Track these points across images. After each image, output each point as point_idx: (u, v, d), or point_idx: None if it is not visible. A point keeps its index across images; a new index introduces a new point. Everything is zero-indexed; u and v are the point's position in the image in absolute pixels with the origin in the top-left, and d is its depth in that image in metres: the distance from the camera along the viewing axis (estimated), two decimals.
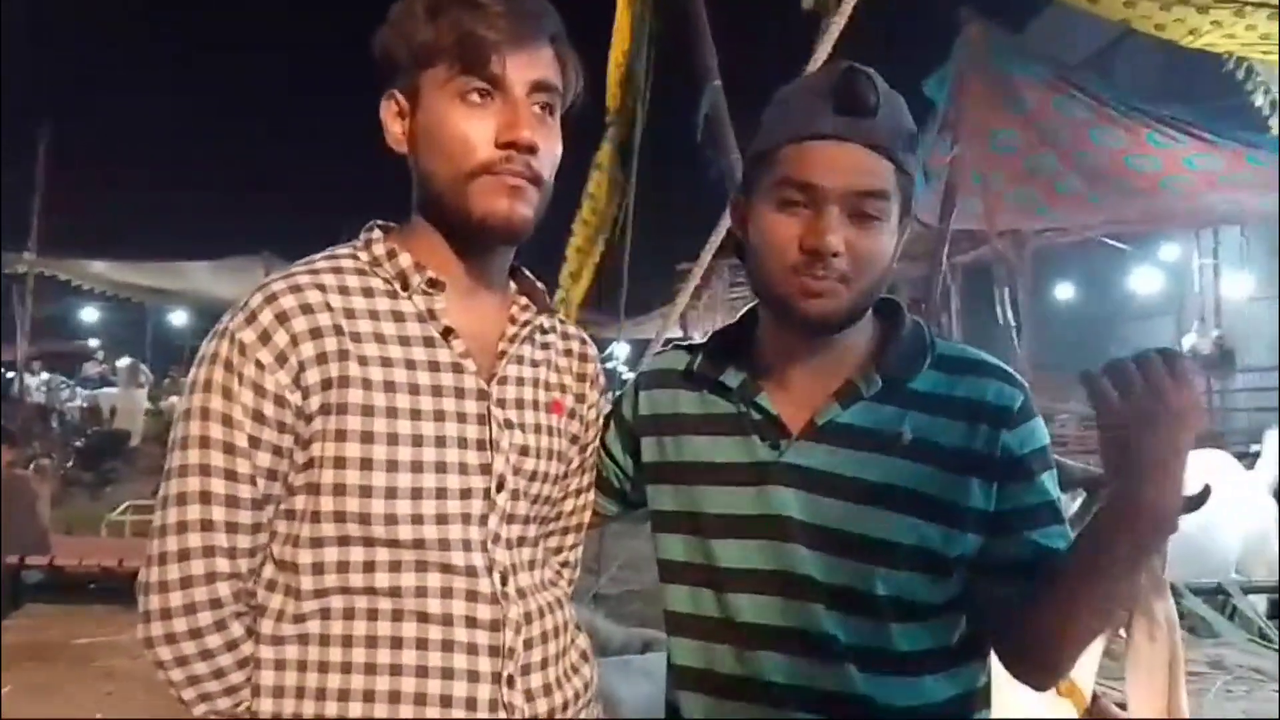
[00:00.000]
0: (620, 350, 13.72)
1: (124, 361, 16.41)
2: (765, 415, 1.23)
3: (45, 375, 16.88)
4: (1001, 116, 6.69)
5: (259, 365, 1.10)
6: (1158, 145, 6.93)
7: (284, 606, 1.13)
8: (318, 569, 1.11)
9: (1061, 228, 9.97)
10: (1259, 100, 4.15)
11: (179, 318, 20.46)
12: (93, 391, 17.14)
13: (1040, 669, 1.19)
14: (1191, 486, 2.77)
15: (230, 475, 1.10)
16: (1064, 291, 15.98)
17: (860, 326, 1.22)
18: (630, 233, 4.47)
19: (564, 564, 1.34)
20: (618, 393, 1.43)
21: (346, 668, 1.10)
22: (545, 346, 1.29)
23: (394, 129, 1.19)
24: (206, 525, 1.10)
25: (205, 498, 1.10)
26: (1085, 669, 2.45)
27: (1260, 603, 4.39)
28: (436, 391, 1.14)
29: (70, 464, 11.57)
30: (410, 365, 1.14)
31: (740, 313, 1.34)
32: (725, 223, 3.75)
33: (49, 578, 6.51)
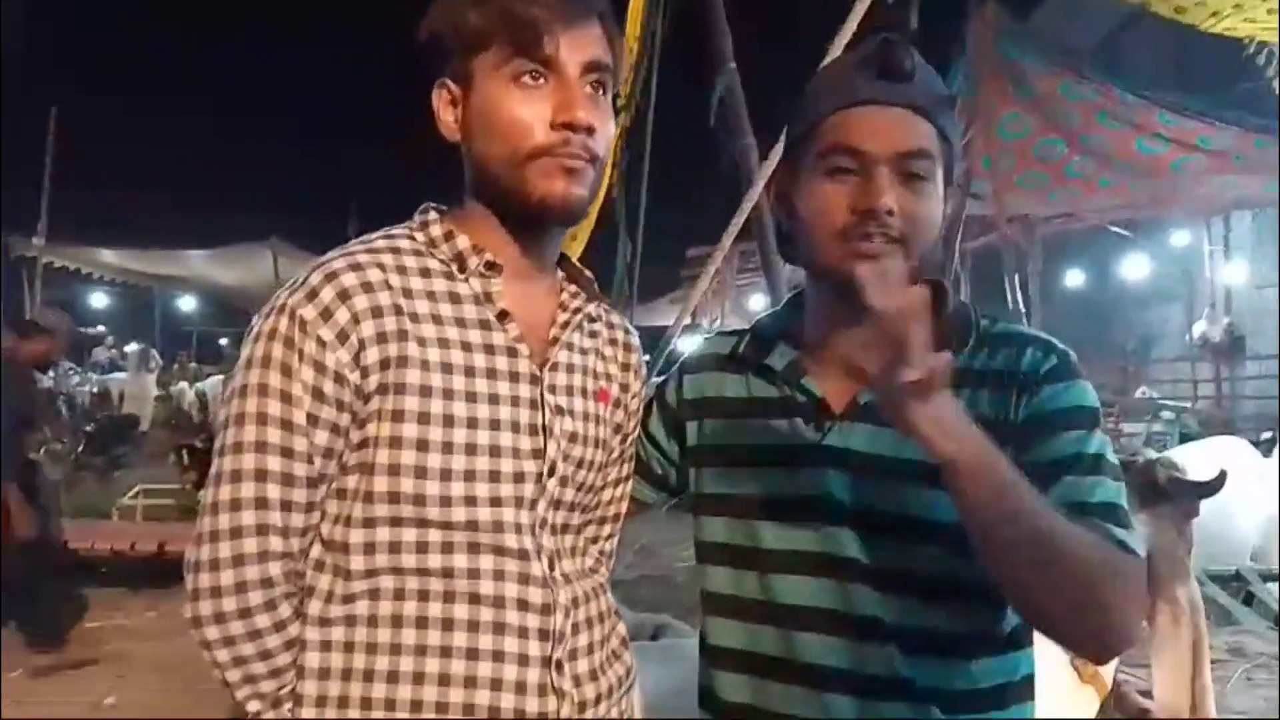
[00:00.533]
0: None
1: (133, 347, 16.44)
2: (810, 397, 1.23)
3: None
4: (1010, 101, 6.68)
5: (320, 342, 1.08)
6: (1168, 125, 6.91)
7: (332, 587, 1.11)
8: (369, 549, 1.10)
9: (1070, 214, 9.96)
10: (1277, 86, 4.09)
11: (187, 303, 20.50)
12: (102, 377, 17.17)
13: (1071, 637, 1.12)
14: (1207, 473, 2.77)
15: (286, 453, 1.08)
16: (1074, 279, 15.93)
17: None
18: (641, 220, 4.45)
19: (601, 553, 1.33)
20: (657, 379, 1.43)
21: (395, 649, 1.09)
22: (593, 335, 1.29)
23: (446, 117, 1.18)
24: (261, 503, 1.08)
25: (261, 475, 1.08)
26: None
27: (1276, 589, 4.38)
28: (491, 374, 1.14)
29: (81, 449, 11.60)
30: (466, 347, 1.14)
31: (786, 298, 1.35)
32: (747, 206, 3.72)
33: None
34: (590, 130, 1.13)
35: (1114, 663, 2.48)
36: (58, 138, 10.53)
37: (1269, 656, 3.63)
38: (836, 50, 3.10)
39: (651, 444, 1.37)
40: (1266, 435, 5.41)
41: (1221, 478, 2.67)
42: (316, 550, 1.13)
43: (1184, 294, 14.59)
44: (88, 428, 12.42)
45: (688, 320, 4.70)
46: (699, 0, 4.66)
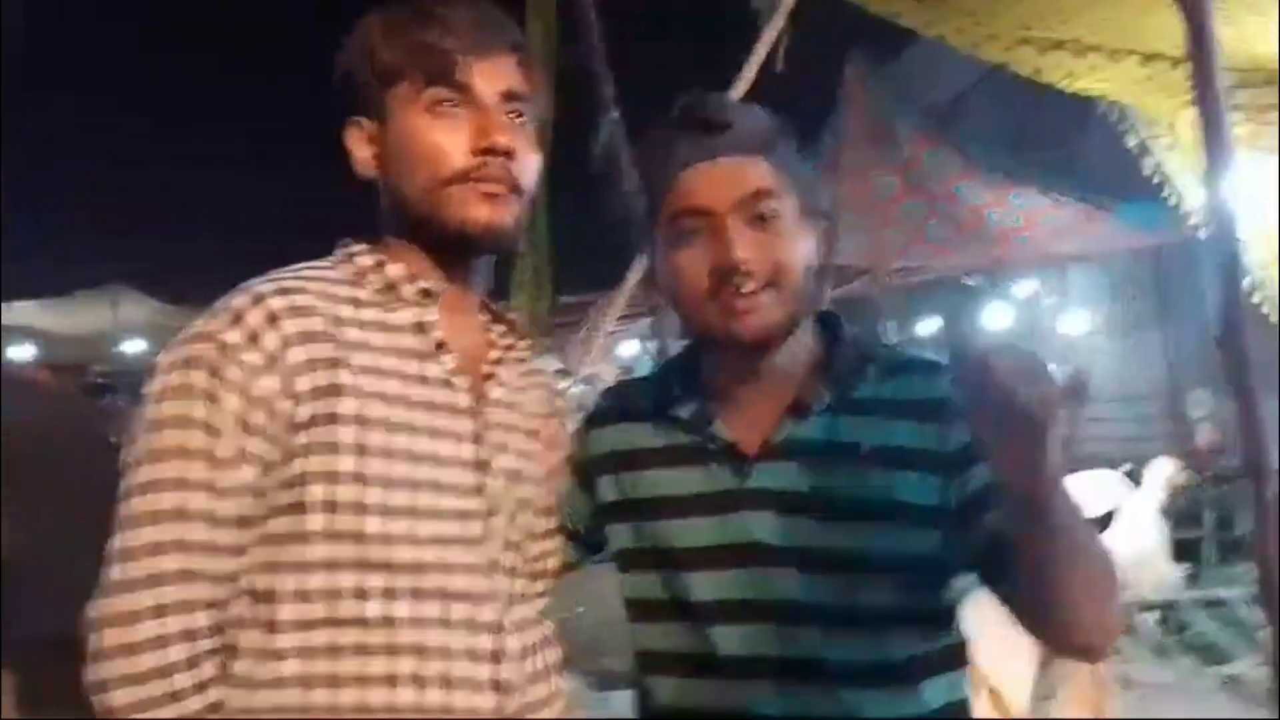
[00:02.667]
0: None
1: None
2: (721, 443, 1.21)
3: None
4: (880, 162, 7.03)
5: (247, 368, 1.01)
6: (1018, 205, 7.49)
7: (258, 644, 1.01)
8: (301, 597, 1.01)
9: (921, 266, 10.48)
10: (1131, 141, 4.38)
11: (24, 352, 19.38)
12: None
13: (1075, 635, 1.16)
14: (1096, 509, 2.88)
15: (211, 489, 0.99)
16: (926, 327, 16.62)
17: (801, 342, 1.23)
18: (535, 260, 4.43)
19: (542, 609, 1.25)
20: None
21: (334, 710, 0.99)
22: (524, 374, 1.25)
23: (362, 154, 1.16)
24: (183, 546, 0.98)
25: (181, 515, 0.99)
26: (1019, 688, 2.48)
27: (1150, 620, 4.58)
28: (429, 407, 1.09)
29: None
30: (402, 377, 1.08)
31: (686, 344, 1.34)
32: (640, 263, 3.73)
33: None
34: (510, 153, 1.11)
35: (1027, 694, 2.52)
36: None
37: (1152, 685, 3.78)
38: (738, 94, 3.14)
39: (566, 501, 1.32)
40: (1126, 469, 5.70)
41: (1110, 515, 2.78)
42: (240, 604, 1.02)
43: (1026, 341, 15.40)
44: None
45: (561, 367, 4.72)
46: (581, 50, 4.69)
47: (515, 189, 1.14)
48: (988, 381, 0.97)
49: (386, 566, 1.03)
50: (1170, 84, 3.92)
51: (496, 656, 1.08)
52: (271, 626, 1.02)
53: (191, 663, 0.99)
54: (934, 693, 1.19)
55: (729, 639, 1.18)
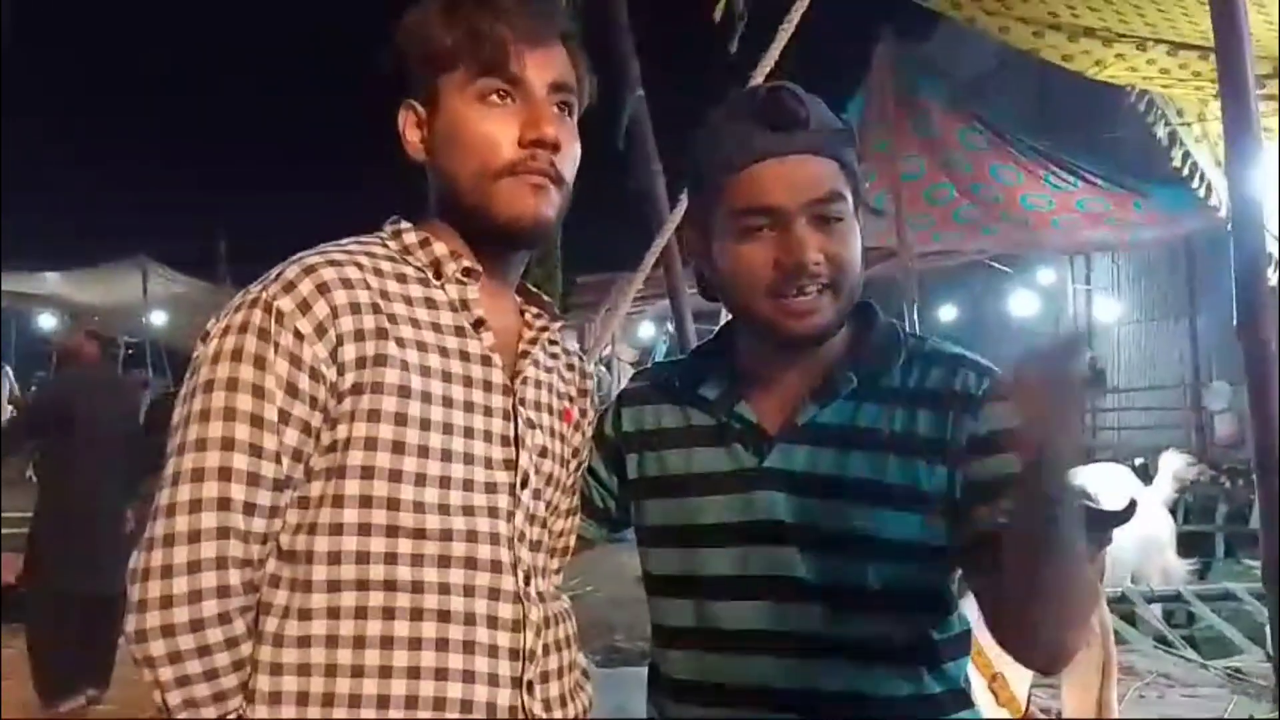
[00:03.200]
0: None
1: None
2: (745, 423, 1.23)
3: None
4: (909, 140, 6.92)
5: (298, 334, 1.04)
6: (1053, 187, 7.35)
7: (289, 602, 1.04)
8: (334, 558, 1.04)
9: (950, 250, 10.37)
10: (1159, 131, 4.34)
11: (46, 321, 19.55)
12: None
13: (1030, 648, 1.18)
14: (1117, 502, 2.87)
15: (255, 451, 1.02)
16: (947, 313, 16.54)
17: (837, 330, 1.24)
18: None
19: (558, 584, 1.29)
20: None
21: (358, 671, 1.03)
22: (554, 356, 1.28)
23: (412, 137, 1.17)
24: (224, 504, 1.01)
25: (225, 474, 1.01)
26: (1021, 679, 2.49)
27: (1159, 610, 4.59)
28: (467, 382, 1.12)
29: None
30: (443, 352, 1.11)
31: (718, 327, 1.36)
32: (659, 243, 3.73)
33: None
34: (557, 147, 1.13)
35: (1027, 685, 2.53)
36: None
37: (1157, 675, 3.79)
38: (758, 78, 3.14)
39: (592, 477, 1.35)
40: (1139, 462, 5.69)
41: (1132, 507, 2.77)
42: (272, 563, 1.06)
43: (1050, 329, 15.31)
44: None
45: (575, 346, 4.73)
46: (606, 27, 4.68)
47: (558, 181, 1.15)
48: (1040, 358, 1.00)
49: (417, 533, 1.05)
50: (1199, 74, 3.88)
51: (517, 626, 1.10)
52: (304, 586, 1.04)
53: (224, 618, 1.01)
54: (937, 674, 1.19)
55: (740, 614, 1.19)
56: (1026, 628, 1.13)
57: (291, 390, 1.04)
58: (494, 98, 1.12)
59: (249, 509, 1.02)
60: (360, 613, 1.04)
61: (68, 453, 4.06)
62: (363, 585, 1.04)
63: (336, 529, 1.04)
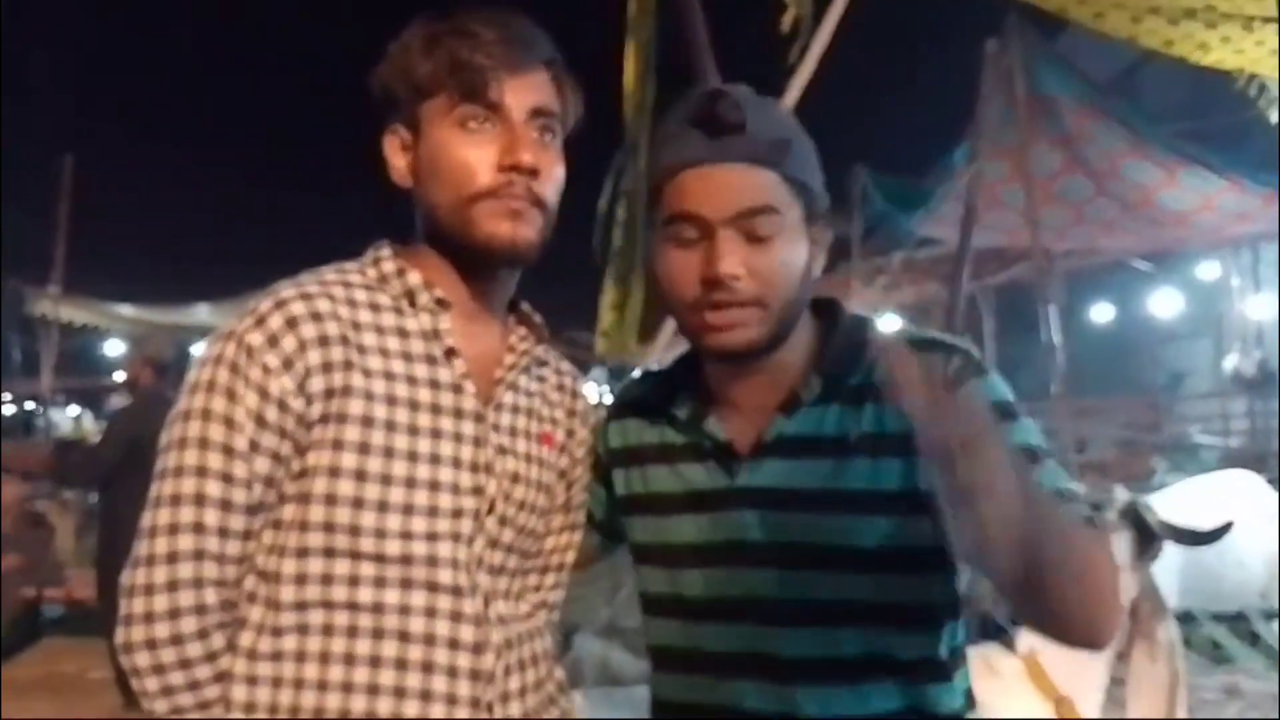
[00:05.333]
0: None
1: None
2: (715, 442, 1.22)
3: (72, 409, 17.00)
4: (1040, 135, 6.64)
5: (265, 369, 1.10)
6: (1191, 186, 6.92)
7: (263, 619, 1.12)
8: (300, 580, 1.11)
9: (1091, 248, 9.87)
10: (1273, 117, 4.08)
11: (199, 350, 20.58)
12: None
13: (1061, 626, 1.10)
14: (1212, 520, 2.73)
15: (226, 478, 1.09)
16: (1100, 314, 15.74)
17: (797, 337, 1.20)
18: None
19: (541, 604, 1.32)
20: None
21: (323, 685, 1.10)
22: (540, 379, 1.31)
23: (397, 162, 1.22)
24: (198, 528, 1.09)
25: (199, 500, 1.09)
26: (1088, 701, 2.40)
27: (1278, 627, 4.27)
28: (435, 410, 1.16)
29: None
30: (411, 381, 1.16)
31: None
32: None
33: (68, 611, 6.47)
34: (534, 172, 1.16)
35: (1096, 707, 2.44)
36: (72, 188, 10.39)
37: (1264, 696, 3.55)
38: (795, 91, 3.11)
39: (590, 492, 1.36)
40: None
41: (1226, 527, 2.63)
42: (250, 581, 1.14)
43: (1213, 328, 14.36)
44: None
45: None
46: (686, 41, 4.69)
47: (538, 204, 1.17)
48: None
49: (378, 558, 1.10)
50: None
51: (479, 648, 1.13)
52: (274, 604, 1.11)
53: (202, 634, 1.08)
54: (935, 691, 1.16)
55: (720, 636, 1.18)
56: (1046, 611, 1.06)
57: (260, 421, 1.09)
58: (473, 124, 1.16)
59: (223, 532, 1.10)
60: (327, 630, 1.10)
61: (133, 477, 4.37)
62: (328, 605, 1.10)
63: (303, 552, 1.11)
